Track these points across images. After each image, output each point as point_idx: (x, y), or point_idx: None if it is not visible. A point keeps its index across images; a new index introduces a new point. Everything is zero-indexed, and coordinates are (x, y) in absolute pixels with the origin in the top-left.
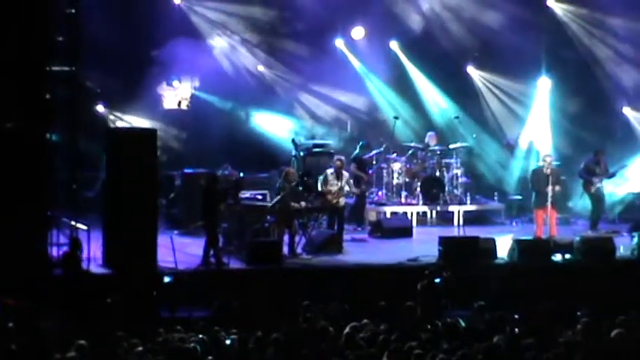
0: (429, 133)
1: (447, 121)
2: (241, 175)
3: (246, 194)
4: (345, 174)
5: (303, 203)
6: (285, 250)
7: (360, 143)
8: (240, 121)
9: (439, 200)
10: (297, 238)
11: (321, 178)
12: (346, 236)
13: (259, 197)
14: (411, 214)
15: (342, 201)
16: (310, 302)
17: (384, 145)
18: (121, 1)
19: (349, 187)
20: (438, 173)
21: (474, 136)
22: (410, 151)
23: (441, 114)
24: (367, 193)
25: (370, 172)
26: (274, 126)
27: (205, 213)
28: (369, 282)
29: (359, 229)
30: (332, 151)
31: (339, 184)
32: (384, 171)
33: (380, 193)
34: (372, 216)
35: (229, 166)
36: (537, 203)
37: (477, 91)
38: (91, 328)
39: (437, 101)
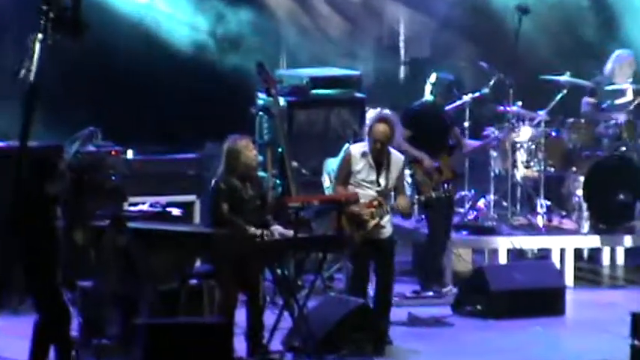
0: (618, 54)
1: None
2: (128, 154)
3: (141, 204)
4: (397, 158)
5: (277, 229)
6: (241, 345)
7: (436, 77)
8: (131, 20)
9: (632, 220)
10: (268, 314)
11: (331, 164)
12: (398, 312)
13: (174, 212)
14: (561, 254)
15: (389, 227)
16: None
17: (492, 80)
18: None
19: (402, 193)
20: (630, 154)
21: None
22: (559, 96)
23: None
24: (451, 203)
25: (451, 144)
26: (207, 25)
27: (36, 249)
28: None
29: (430, 293)
30: (359, 95)
31: (382, 182)
32: (495, 148)
33: (481, 202)
34: (461, 261)
35: (98, 132)
36: None
37: None
38: None
39: None
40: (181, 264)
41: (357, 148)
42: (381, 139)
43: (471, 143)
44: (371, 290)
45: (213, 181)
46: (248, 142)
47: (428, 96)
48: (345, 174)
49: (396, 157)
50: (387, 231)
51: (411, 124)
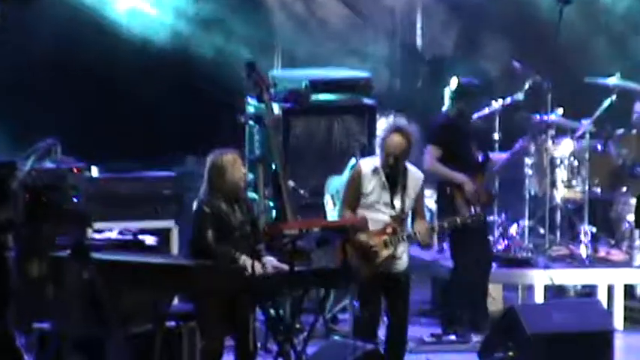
0: None
1: None
2: (93, 172)
3: (109, 230)
4: (415, 175)
5: (270, 261)
6: None
7: (458, 83)
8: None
9: None
10: None
11: (335, 183)
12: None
13: (148, 240)
14: (609, 291)
15: (404, 258)
16: None
17: (527, 83)
18: None
19: (420, 217)
20: None
21: None
22: (606, 103)
23: None
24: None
25: (481, 161)
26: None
27: None
28: None
29: (452, 337)
30: (368, 102)
31: (397, 204)
32: (529, 163)
33: (513, 229)
34: (490, 299)
35: (57, 144)
36: None
37: None
38: None
39: None
40: (156, 302)
41: (368, 164)
42: (396, 152)
43: (497, 158)
44: (381, 333)
45: (194, 204)
46: (235, 158)
47: (447, 105)
48: (353, 195)
49: (414, 175)
50: (403, 263)
51: (440, 141)
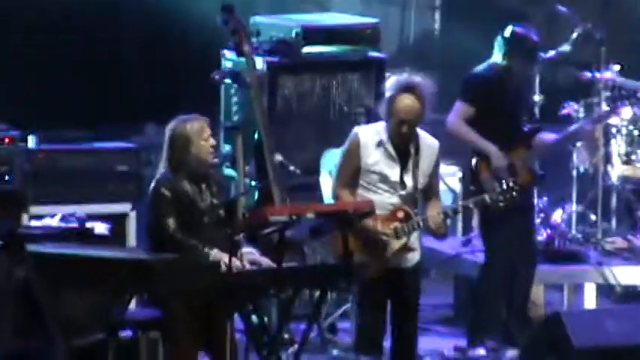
0: None
1: None
2: (29, 142)
3: (49, 217)
4: (429, 144)
5: (251, 255)
6: None
7: (511, 33)
8: None
9: None
10: None
11: (334, 158)
12: None
13: (98, 228)
14: None
15: (417, 248)
16: None
17: (575, 32)
18: None
19: (434, 198)
20: None
21: None
22: None
23: None
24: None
25: (527, 131)
26: None
27: None
28: None
29: (480, 350)
30: (376, 55)
31: (408, 181)
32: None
33: (557, 215)
34: (533, 302)
35: None
36: None
37: None
38: None
39: None
40: (108, 306)
41: (370, 134)
42: (408, 117)
43: (546, 138)
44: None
45: (152, 184)
46: (203, 126)
47: (497, 57)
48: (350, 171)
49: (428, 144)
50: (414, 255)
51: (473, 97)
